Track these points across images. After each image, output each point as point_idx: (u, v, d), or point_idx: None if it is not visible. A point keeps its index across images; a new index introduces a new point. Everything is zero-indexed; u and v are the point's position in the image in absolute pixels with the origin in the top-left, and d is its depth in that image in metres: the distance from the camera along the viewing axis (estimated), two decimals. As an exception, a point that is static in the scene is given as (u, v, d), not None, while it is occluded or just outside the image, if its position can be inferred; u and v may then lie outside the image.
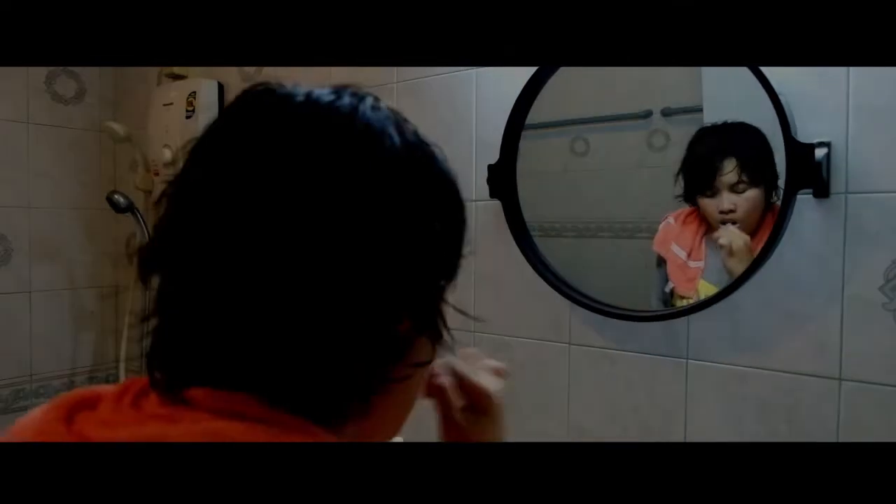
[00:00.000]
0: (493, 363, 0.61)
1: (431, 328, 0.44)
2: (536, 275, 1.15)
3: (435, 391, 0.57)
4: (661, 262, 1.09)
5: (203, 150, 0.42)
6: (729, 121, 1.01)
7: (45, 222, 1.97)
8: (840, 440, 0.91)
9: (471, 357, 0.61)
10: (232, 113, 0.42)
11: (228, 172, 0.39)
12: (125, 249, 2.10)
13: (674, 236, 1.07)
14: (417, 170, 0.42)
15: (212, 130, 0.42)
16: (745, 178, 0.98)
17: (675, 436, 1.05)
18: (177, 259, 0.40)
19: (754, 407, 0.98)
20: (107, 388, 0.43)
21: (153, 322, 0.41)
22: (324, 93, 0.42)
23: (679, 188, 1.05)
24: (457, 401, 0.58)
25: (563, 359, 1.17)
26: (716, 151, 1.01)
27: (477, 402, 0.58)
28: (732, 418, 1.00)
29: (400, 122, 0.43)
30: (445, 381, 0.57)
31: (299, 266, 0.37)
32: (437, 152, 0.45)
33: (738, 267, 0.96)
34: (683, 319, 1.03)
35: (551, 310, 1.18)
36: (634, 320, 1.07)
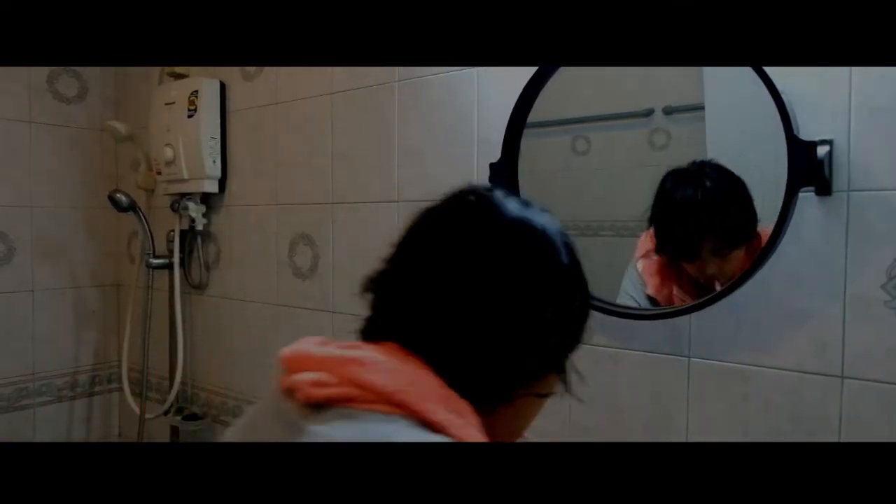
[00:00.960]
0: None
1: (558, 369, 0.61)
2: (538, 273, 1.14)
3: None
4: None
5: (424, 227, 0.61)
6: (697, 160, 0.98)
7: (47, 221, 1.98)
8: (842, 438, 0.91)
9: None
10: (448, 208, 0.61)
11: (444, 248, 0.58)
12: (127, 248, 2.10)
13: (656, 272, 1.06)
14: (573, 276, 0.61)
15: (434, 214, 0.61)
16: (728, 245, 0.96)
17: (678, 434, 1.06)
18: (396, 289, 0.60)
19: (757, 405, 0.98)
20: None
21: (368, 313, 0.62)
22: (516, 206, 0.60)
23: (649, 236, 1.03)
24: None
25: (564, 357, 1.17)
26: (695, 223, 0.99)
27: None
28: (735, 416, 1.00)
29: (567, 239, 0.61)
30: None
31: (485, 312, 0.56)
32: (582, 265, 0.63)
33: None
34: (686, 318, 1.03)
35: (553, 308, 1.18)
36: (636, 319, 1.07)
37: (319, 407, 0.54)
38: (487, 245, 0.57)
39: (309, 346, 0.59)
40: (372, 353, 0.56)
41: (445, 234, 0.59)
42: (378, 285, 0.62)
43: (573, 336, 0.62)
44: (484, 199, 0.60)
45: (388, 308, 0.60)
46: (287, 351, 0.60)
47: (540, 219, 0.60)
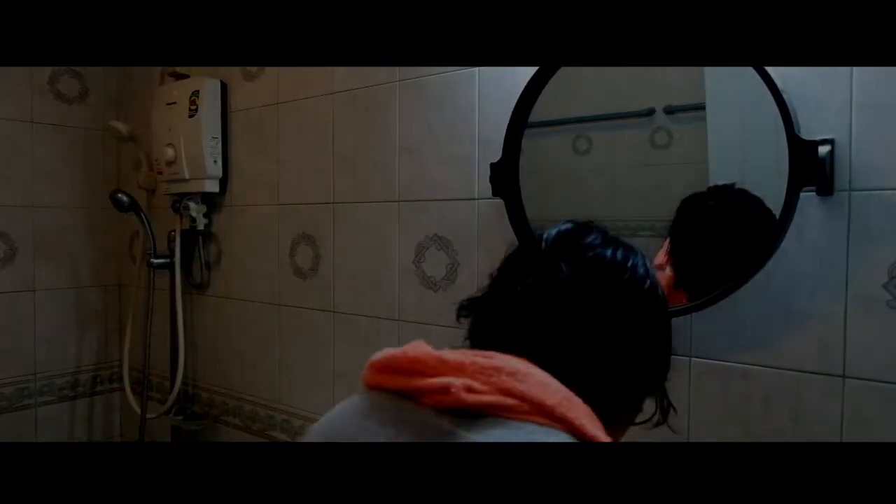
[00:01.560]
0: None
1: (659, 396, 0.68)
2: (539, 273, 1.14)
3: None
4: None
5: (521, 261, 0.65)
6: (719, 184, 0.96)
7: (49, 221, 1.98)
8: (844, 438, 0.91)
9: None
10: (555, 247, 0.63)
11: (559, 286, 0.60)
12: (128, 248, 2.10)
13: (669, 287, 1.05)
14: (668, 310, 0.67)
15: (539, 250, 0.63)
16: (748, 275, 0.93)
17: (679, 434, 1.05)
18: (492, 309, 0.64)
19: (758, 405, 0.98)
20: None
21: (469, 325, 0.65)
22: (615, 242, 0.63)
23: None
24: None
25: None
26: (714, 259, 0.98)
27: None
28: (736, 416, 1.00)
29: (656, 274, 0.65)
30: None
31: (605, 345, 0.60)
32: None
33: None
34: (686, 317, 1.03)
35: (554, 308, 1.17)
36: (637, 318, 1.07)
37: (468, 414, 0.53)
38: (605, 283, 0.61)
39: (427, 348, 0.58)
40: (517, 364, 0.55)
41: (559, 272, 0.60)
42: (484, 309, 0.64)
43: (667, 364, 0.67)
44: (589, 240, 0.63)
45: (504, 330, 0.61)
46: (396, 352, 0.59)
47: (638, 257, 0.64)
